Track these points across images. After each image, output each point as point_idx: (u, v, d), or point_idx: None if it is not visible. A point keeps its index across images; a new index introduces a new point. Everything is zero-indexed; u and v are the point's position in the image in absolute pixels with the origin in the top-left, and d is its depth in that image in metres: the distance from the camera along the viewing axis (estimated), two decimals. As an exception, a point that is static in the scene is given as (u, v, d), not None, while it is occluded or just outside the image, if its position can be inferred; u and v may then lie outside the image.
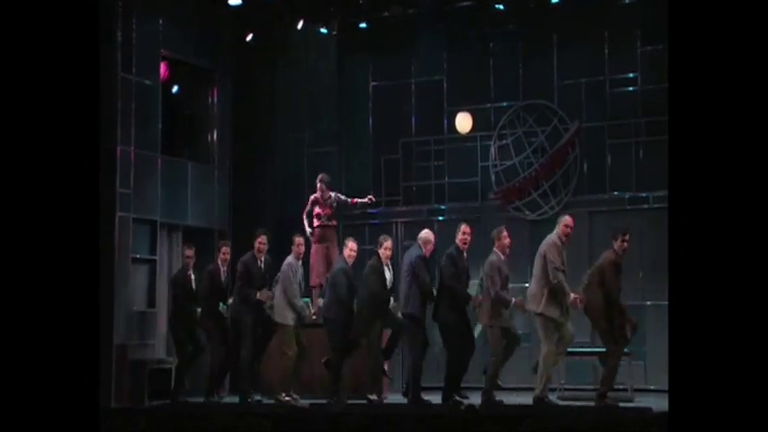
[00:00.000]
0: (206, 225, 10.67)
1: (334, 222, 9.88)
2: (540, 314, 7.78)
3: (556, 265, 7.68)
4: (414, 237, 9.34)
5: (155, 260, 9.99)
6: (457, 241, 8.28)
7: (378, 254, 8.55)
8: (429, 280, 8.27)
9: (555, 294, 7.70)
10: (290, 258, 8.78)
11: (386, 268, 8.52)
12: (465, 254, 8.32)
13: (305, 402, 8.51)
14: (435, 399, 8.31)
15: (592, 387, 9.40)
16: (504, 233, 8.30)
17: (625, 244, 7.82)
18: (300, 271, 8.88)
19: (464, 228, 8.34)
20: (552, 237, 7.93)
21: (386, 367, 8.79)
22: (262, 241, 8.82)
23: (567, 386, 8.91)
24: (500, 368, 8.15)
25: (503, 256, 8.21)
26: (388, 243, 8.59)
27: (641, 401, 8.32)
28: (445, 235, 8.81)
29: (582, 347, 9.40)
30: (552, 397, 8.47)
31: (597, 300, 7.72)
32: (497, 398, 8.19)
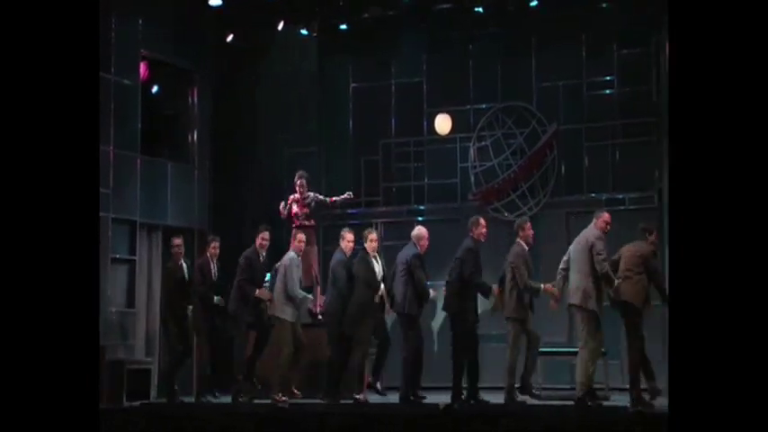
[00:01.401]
0: (186, 225, 10.51)
1: (313, 222, 9.79)
2: (585, 309, 7.74)
3: (604, 256, 7.70)
4: (394, 237, 9.39)
5: (134, 260, 9.89)
6: (475, 235, 8.21)
7: (364, 248, 8.48)
8: (424, 278, 8.22)
9: (599, 289, 7.74)
10: (290, 253, 8.74)
11: (374, 261, 8.44)
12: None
13: (293, 401, 8.44)
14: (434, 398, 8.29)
15: (569, 386, 9.41)
16: (528, 224, 8.36)
17: (656, 239, 8.02)
18: (300, 266, 8.83)
19: (483, 221, 8.34)
20: (594, 231, 7.89)
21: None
22: (264, 237, 8.82)
23: (544, 386, 8.87)
24: (515, 364, 8.17)
25: (526, 247, 8.22)
26: (373, 235, 8.54)
27: (618, 400, 8.30)
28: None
29: (559, 347, 9.44)
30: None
31: (640, 288, 7.75)
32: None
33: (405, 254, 8.32)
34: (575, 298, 7.80)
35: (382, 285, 8.45)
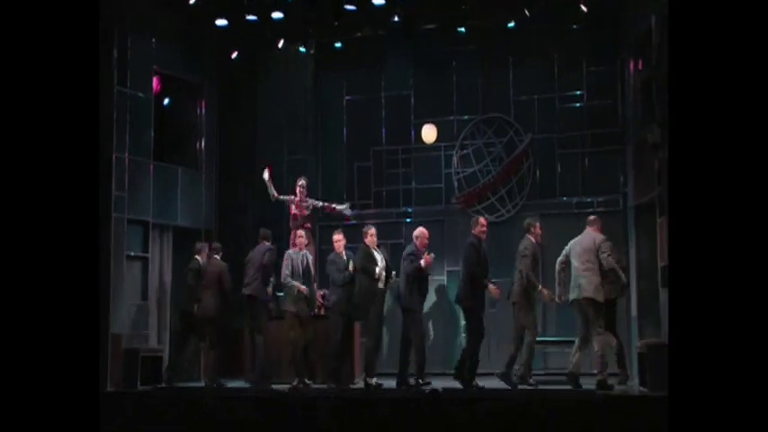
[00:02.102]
0: (194, 225, 10.68)
1: (308, 225, 9.84)
2: (597, 301, 8.11)
3: (611, 254, 8.17)
4: (384, 237, 9.52)
5: (147, 257, 9.99)
6: (476, 232, 8.42)
7: (365, 242, 8.68)
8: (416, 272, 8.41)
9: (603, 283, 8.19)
10: (288, 251, 9.02)
11: (375, 252, 8.60)
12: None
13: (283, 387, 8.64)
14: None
15: (543, 372, 9.64)
16: (538, 224, 8.66)
17: None
18: (303, 260, 9.01)
19: (482, 220, 8.59)
20: (598, 234, 8.31)
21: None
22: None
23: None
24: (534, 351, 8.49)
25: (535, 241, 8.54)
26: (372, 230, 8.73)
27: (584, 385, 8.51)
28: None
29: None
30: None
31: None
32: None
33: (404, 252, 8.58)
34: (589, 292, 8.11)
35: (384, 273, 8.55)
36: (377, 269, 8.50)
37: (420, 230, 8.72)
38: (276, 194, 9.79)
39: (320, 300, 9.39)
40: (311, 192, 10.03)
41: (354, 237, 9.53)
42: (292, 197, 9.81)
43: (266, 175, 9.77)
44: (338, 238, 8.90)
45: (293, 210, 9.79)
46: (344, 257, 8.81)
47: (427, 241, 8.62)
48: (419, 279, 8.48)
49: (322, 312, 9.36)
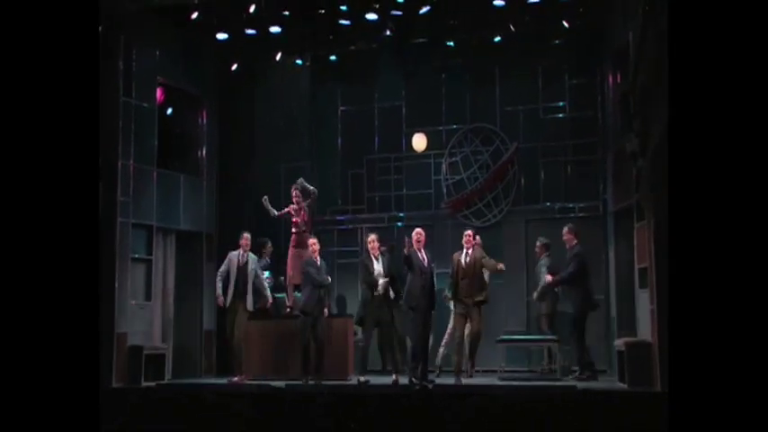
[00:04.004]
0: (195, 229, 10.67)
1: (305, 230, 9.86)
2: None
3: None
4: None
5: (151, 260, 9.91)
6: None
7: (367, 250, 8.73)
8: (408, 270, 8.34)
9: None
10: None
11: (374, 259, 8.58)
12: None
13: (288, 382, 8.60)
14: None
15: (527, 369, 9.66)
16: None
17: None
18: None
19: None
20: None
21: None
22: (313, 242, 9.13)
23: (506, 368, 9.11)
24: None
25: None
26: (370, 237, 8.80)
27: (568, 380, 8.54)
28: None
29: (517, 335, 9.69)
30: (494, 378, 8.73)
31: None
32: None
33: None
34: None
35: (381, 280, 8.46)
36: (379, 279, 8.45)
37: (414, 231, 8.61)
38: (276, 213, 9.81)
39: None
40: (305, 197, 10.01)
41: (349, 241, 9.53)
42: (290, 207, 9.79)
43: (266, 200, 9.83)
44: (312, 242, 9.03)
45: (294, 218, 9.77)
46: (319, 261, 8.89)
47: (420, 237, 8.46)
48: (420, 277, 8.25)
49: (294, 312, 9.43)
